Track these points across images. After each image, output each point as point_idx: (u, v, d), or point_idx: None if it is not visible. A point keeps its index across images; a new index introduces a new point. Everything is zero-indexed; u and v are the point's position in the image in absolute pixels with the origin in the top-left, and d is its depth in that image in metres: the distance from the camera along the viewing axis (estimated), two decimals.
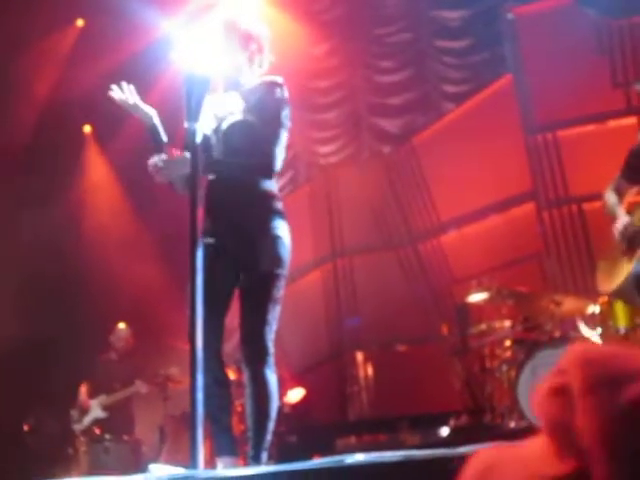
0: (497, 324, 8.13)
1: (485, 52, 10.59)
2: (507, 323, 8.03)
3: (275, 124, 4.33)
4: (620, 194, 5.72)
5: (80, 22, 11.04)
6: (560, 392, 0.80)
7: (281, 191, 11.47)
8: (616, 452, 0.74)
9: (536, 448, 0.86)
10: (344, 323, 11.21)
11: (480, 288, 8.13)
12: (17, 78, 10.44)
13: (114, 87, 4.41)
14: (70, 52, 10.94)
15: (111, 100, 4.44)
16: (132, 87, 4.42)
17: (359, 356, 10.43)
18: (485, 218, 10.41)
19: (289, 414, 9.22)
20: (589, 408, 0.74)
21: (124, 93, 4.41)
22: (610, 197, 5.76)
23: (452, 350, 9.33)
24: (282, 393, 9.04)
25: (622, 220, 5.60)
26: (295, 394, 9.62)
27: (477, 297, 8.11)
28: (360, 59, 11.37)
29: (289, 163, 11.63)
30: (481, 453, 0.96)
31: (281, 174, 11.62)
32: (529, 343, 7.55)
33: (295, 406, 9.49)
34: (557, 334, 7.56)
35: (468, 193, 10.37)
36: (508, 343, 7.84)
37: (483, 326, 8.28)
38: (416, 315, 10.50)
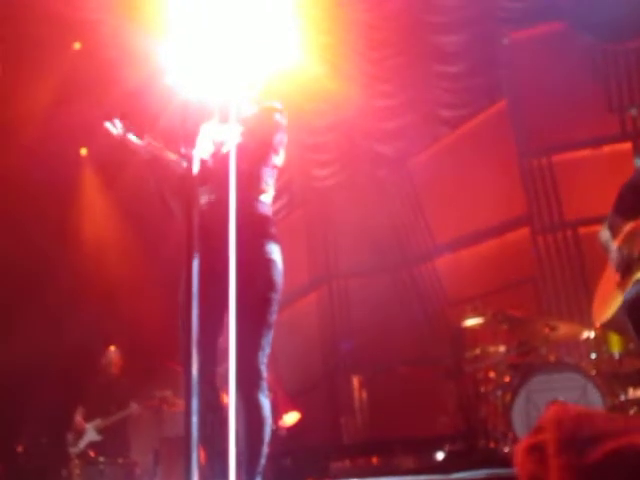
0: (492, 348, 8.13)
1: (481, 77, 10.63)
2: (502, 348, 8.03)
3: (266, 147, 4.37)
4: (614, 231, 5.64)
5: (77, 45, 11.07)
6: (536, 449, 0.83)
7: (277, 214, 11.58)
8: None
9: None
10: (339, 346, 11.21)
11: (475, 312, 8.14)
12: (11, 96, 10.45)
13: (108, 124, 4.45)
14: (66, 75, 10.97)
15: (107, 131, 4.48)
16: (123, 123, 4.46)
17: (354, 379, 10.41)
18: (480, 242, 10.44)
19: (284, 437, 9.20)
20: (560, 466, 0.77)
21: (117, 128, 4.44)
22: (603, 234, 5.72)
23: (447, 374, 9.33)
24: (277, 416, 9.03)
25: (616, 251, 5.54)
26: (290, 417, 9.59)
27: (472, 321, 8.12)
28: (357, 82, 11.39)
29: (285, 186, 11.67)
30: None
31: (276, 197, 11.69)
32: (524, 368, 7.56)
33: (290, 429, 9.47)
34: (552, 359, 7.57)
35: (463, 217, 10.40)
36: (503, 368, 7.84)
37: (478, 350, 8.28)
38: (411, 338, 10.51)
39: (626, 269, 5.44)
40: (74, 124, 10.68)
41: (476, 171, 10.17)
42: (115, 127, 4.45)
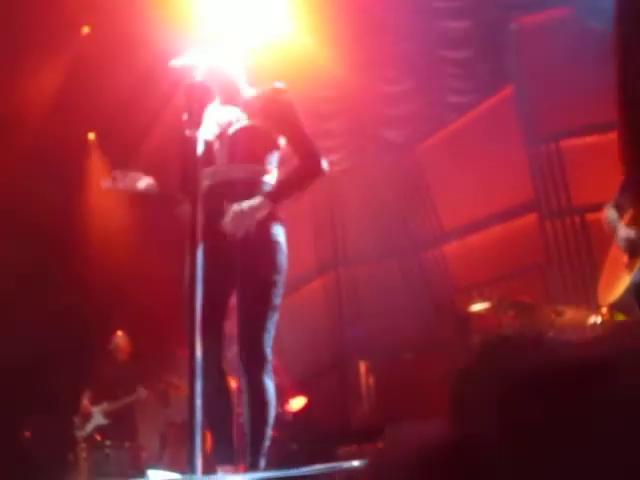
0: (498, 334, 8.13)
1: (488, 62, 10.60)
2: (508, 333, 8.03)
3: (274, 128, 4.36)
4: (621, 210, 5.62)
5: (86, 29, 11.06)
6: (460, 374, 0.84)
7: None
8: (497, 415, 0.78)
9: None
10: (346, 331, 11.21)
11: (481, 298, 8.14)
12: (22, 82, 10.46)
13: (109, 181, 4.47)
14: (75, 59, 10.96)
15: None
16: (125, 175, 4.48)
17: (361, 365, 10.42)
18: (488, 228, 10.42)
19: (291, 422, 9.22)
20: (479, 373, 0.78)
21: (121, 181, 4.46)
22: (611, 214, 5.69)
23: (453, 359, 9.33)
24: (284, 401, 9.05)
25: (624, 230, 5.51)
26: (297, 402, 9.61)
27: (478, 307, 8.12)
28: (364, 68, 11.37)
29: None
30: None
31: None
32: None
33: (297, 414, 9.49)
34: None
35: (471, 203, 10.38)
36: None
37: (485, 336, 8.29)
38: (418, 324, 10.50)
39: (633, 251, 5.42)
40: (83, 108, 10.70)
41: (483, 157, 10.16)
42: (117, 180, 4.47)
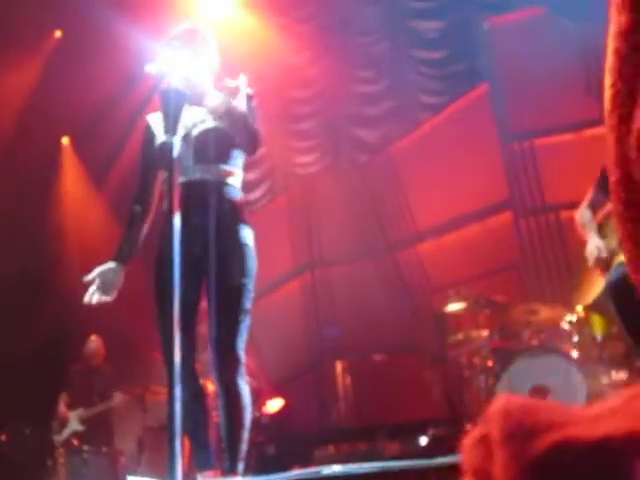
0: (474, 333, 8.16)
1: (462, 62, 10.65)
2: (484, 332, 8.06)
3: (248, 129, 4.35)
4: (595, 209, 5.58)
5: (58, 33, 11.02)
6: (482, 441, 0.83)
7: (259, 201, 11.57)
8: None
9: None
10: (323, 333, 11.22)
11: (457, 297, 8.17)
12: None
13: (86, 298, 4.45)
14: (47, 63, 10.92)
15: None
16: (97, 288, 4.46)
17: (338, 366, 10.42)
18: (462, 227, 10.46)
19: (268, 425, 9.21)
20: (504, 458, 0.77)
21: (94, 296, 4.45)
22: (585, 214, 5.63)
23: (430, 359, 9.36)
24: (261, 403, 9.04)
25: (594, 242, 5.44)
26: (274, 404, 9.60)
27: (455, 306, 8.15)
28: (338, 68, 11.39)
29: (267, 173, 11.67)
30: None
31: (258, 184, 11.71)
32: (506, 352, 7.59)
33: (274, 416, 9.48)
34: (534, 343, 7.60)
35: (445, 202, 10.41)
36: (486, 352, 7.86)
37: (460, 335, 8.32)
38: (395, 324, 10.52)
39: (603, 268, 5.37)
40: (55, 112, 10.65)
41: (458, 156, 10.19)
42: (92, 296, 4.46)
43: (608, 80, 1.08)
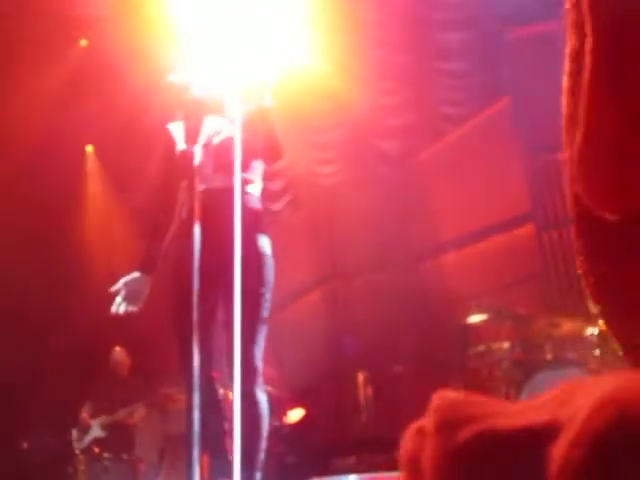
0: (496, 345, 8.13)
1: (484, 74, 10.63)
2: (506, 344, 8.03)
3: (269, 140, 4.37)
4: None
5: (84, 42, 11.08)
6: (419, 432, 0.85)
7: (281, 212, 11.58)
8: None
9: None
10: (344, 344, 11.22)
11: (479, 309, 8.15)
12: (18, 92, 10.45)
13: (113, 309, 4.49)
14: (73, 71, 10.98)
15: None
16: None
17: (359, 376, 10.42)
18: (485, 239, 10.44)
19: (288, 435, 9.21)
20: (432, 447, 0.79)
21: (121, 306, 4.48)
22: None
23: (451, 371, 9.34)
24: (281, 414, 9.05)
25: None
26: (294, 414, 9.61)
27: (476, 318, 8.12)
28: (361, 80, 11.39)
29: (289, 184, 11.69)
30: None
31: (281, 195, 11.72)
32: (527, 364, 7.56)
33: (294, 426, 9.48)
34: (555, 356, 7.58)
35: (467, 214, 10.40)
36: (507, 364, 7.84)
37: (482, 347, 8.29)
38: (415, 335, 10.51)
39: None
40: (80, 121, 10.71)
41: (480, 168, 10.18)
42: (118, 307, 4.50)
43: (564, 100, 1.10)
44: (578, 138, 1.00)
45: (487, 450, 0.73)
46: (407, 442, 0.85)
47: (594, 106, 0.99)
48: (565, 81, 1.04)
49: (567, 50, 1.01)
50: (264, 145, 4.34)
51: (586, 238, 1.02)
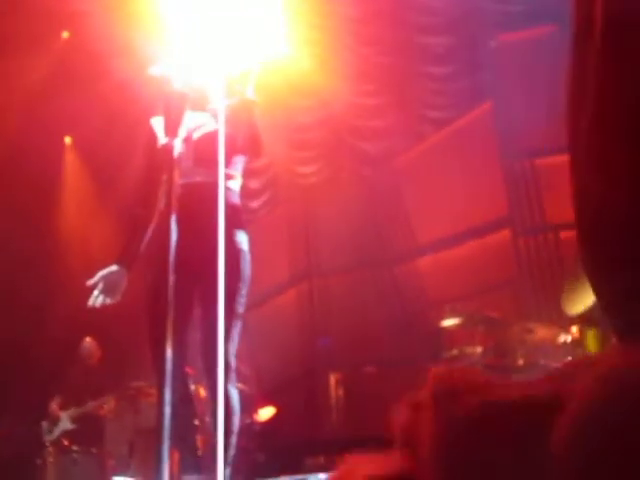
0: (469, 349, 8.14)
1: (467, 78, 10.66)
2: (479, 349, 8.05)
3: (251, 135, 4.36)
4: None
5: (66, 34, 11.03)
6: (413, 407, 0.85)
7: (260, 210, 11.57)
8: (443, 460, 0.79)
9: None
10: (317, 343, 11.21)
11: (453, 313, 8.16)
12: None
13: (90, 301, 4.46)
14: (55, 63, 10.92)
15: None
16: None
17: (331, 376, 10.42)
18: (462, 243, 10.46)
19: (259, 432, 9.20)
20: (430, 417, 0.79)
21: (98, 299, 4.46)
22: None
23: (424, 374, 9.35)
24: (252, 411, 9.04)
25: None
26: (265, 412, 9.60)
27: (450, 322, 8.14)
28: (344, 80, 11.39)
29: (268, 182, 11.68)
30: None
31: (260, 193, 11.70)
32: (499, 369, 7.58)
33: (265, 424, 9.47)
34: (527, 361, 7.60)
35: (445, 218, 10.41)
36: (479, 369, 7.85)
37: (455, 351, 8.30)
38: (389, 337, 10.52)
39: None
40: (61, 114, 10.66)
41: (459, 172, 10.20)
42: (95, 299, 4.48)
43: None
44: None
45: (489, 418, 0.73)
46: (400, 417, 0.85)
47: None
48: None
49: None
50: (246, 139, 4.33)
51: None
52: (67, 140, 11.92)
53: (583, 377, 0.67)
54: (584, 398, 0.65)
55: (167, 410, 3.37)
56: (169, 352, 3.41)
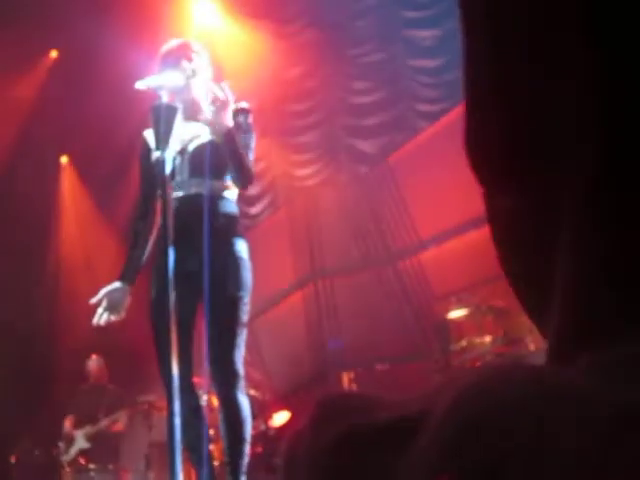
0: (478, 340, 8.15)
1: (458, 70, 10.64)
2: (488, 338, 8.05)
3: (242, 148, 4.35)
4: None
5: (54, 53, 11.05)
6: (297, 432, 0.85)
7: (260, 215, 11.57)
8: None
9: None
10: (327, 344, 11.20)
11: (459, 304, 8.17)
12: None
13: (94, 320, 4.44)
14: (44, 82, 10.94)
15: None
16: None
17: (343, 377, 10.41)
18: (464, 234, 10.43)
19: (274, 437, 9.20)
20: (305, 444, 0.78)
21: (103, 317, 4.44)
22: None
23: (435, 368, 9.34)
24: (267, 416, 9.04)
25: None
26: (280, 417, 9.60)
27: (457, 314, 8.14)
28: (334, 81, 11.41)
29: (268, 187, 11.70)
30: None
31: (259, 198, 11.72)
32: (510, 357, 7.58)
33: (280, 429, 9.47)
34: (537, 347, 7.59)
35: (446, 210, 10.39)
36: (490, 358, 7.85)
37: (464, 342, 8.30)
38: (398, 333, 10.51)
39: None
40: (53, 132, 10.67)
41: (457, 163, 10.08)
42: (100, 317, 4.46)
43: None
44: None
45: (355, 444, 0.72)
46: (285, 443, 0.84)
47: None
48: None
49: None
50: (238, 170, 4.32)
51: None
52: (63, 159, 11.93)
53: (448, 392, 0.66)
54: (441, 413, 0.64)
55: (176, 421, 3.37)
56: (175, 365, 3.41)
